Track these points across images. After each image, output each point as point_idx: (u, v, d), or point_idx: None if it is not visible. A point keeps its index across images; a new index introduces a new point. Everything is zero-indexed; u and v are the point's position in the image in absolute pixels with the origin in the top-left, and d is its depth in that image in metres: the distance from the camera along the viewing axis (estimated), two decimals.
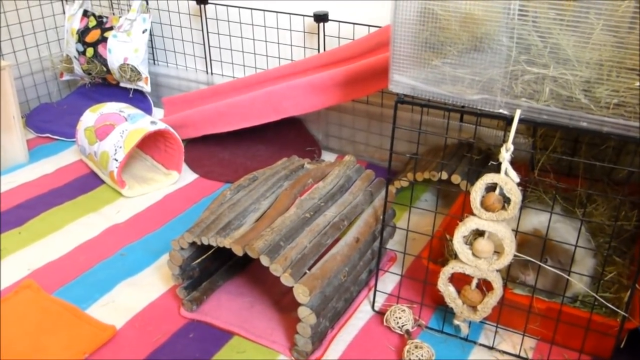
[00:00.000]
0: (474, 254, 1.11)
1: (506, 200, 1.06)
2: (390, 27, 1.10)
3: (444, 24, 1.04)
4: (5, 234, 1.55)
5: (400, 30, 1.08)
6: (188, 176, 1.87)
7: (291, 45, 1.99)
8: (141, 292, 1.35)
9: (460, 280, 1.16)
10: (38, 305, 1.28)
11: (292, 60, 2.01)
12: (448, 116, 1.27)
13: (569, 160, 1.52)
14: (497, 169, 1.05)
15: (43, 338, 1.20)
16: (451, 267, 1.14)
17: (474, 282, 1.15)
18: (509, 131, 1.03)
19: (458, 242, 1.11)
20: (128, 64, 2.15)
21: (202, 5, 2.08)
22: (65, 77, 2.36)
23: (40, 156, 1.97)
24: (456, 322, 1.20)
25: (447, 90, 1.08)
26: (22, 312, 1.26)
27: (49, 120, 2.18)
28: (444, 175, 1.50)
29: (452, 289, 1.17)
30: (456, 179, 1.49)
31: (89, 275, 1.40)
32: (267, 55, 2.07)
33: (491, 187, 1.07)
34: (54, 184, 1.80)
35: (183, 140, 1.85)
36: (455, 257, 1.14)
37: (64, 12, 2.35)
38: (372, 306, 1.31)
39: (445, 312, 1.25)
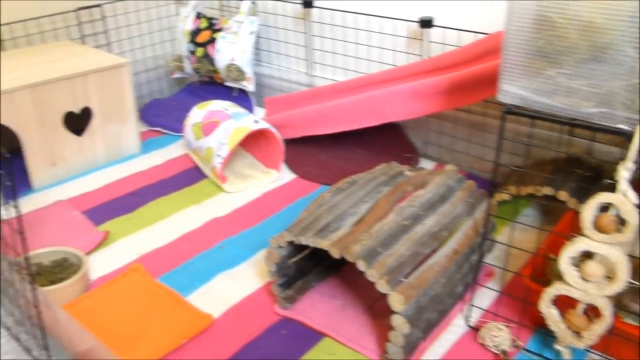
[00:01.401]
0: (582, 277, 1.05)
1: (621, 222, 1.00)
2: (502, 34, 1.07)
3: (562, 32, 1.00)
4: (117, 219, 1.66)
5: (513, 38, 1.05)
6: (286, 175, 1.91)
7: (394, 50, 1.99)
8: (238, 285, 1.39)
9: (564, 303, 1.10)
10: (144, 289, 1.36)
11: (394, 65, 2.00)
12: (560, 130, 1.21)
13: None
14: (610, 187, 0.99)
15: (147, 320, 1.27)
16: (555, 289, 1.09)
17: (581, 306, 1.08)
18: (628, 148, 0.96)
19: (565, 263, 1.06)
20: (234, 64, 2.23)
21: (308, 9, 2.12)
22: (176, 75, 2.49)
23: (150, 148, 2.10)
24: (557, 347, 1.14)
25: (560, 102, 1.03)
26: (130, 294, 1.35)
27: (160, 115, 2.31)
28: (549, 191, 1.44)
29: (555, 311, 1.12)
30: (563, 195, 1.42)
31: (190, 264, 1.47)
32: (368, 60, 2.07)
33: (604, 207, 1.01)
34: (162, 175, 1.91)
35: (283, 140, 1.90)
36: (560, 278, 1.09)
37: (177, 14, 2.49)
38: (467, 321, 1.27)
39: (545, 334, 1.19)
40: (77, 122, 1.89)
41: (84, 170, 1.92)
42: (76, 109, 1.84)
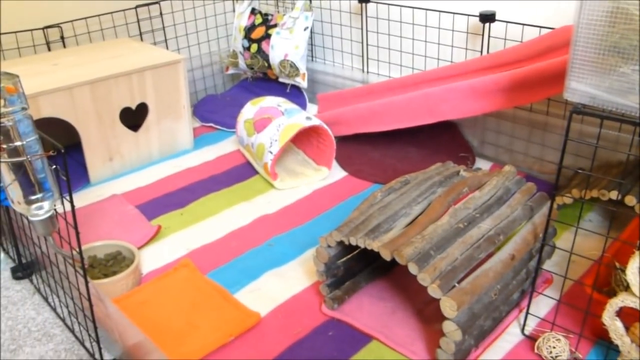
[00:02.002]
0: None
1: None
2: (571, 29, 1.00)
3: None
4: (169, 214, 1.68)
5: (584, 32, 0.98)
6: (337, 173, 1.89)
7: (452, 46, 1.92)
8: (285, 284, 1.38)
9: (629, 316, 1.03)
10: (193, 284, 1.37)
11: (451, 61, 1.94)
12: (634, 131, 1.13)
13: None
14: None
15: (195, 315, 1.27)
16: (621, 300, 1.02)
17: None
18: None
19: (633, 273, 0.99)
20: (288, 60, 2.22)
21: (364, 4, 2.09)
22: (230, 71, 2.51)
23: (203, 144, 2.12)
24: None
25: (635, 102, 0.95)
26: (179, 289, 1.35)
27: (213, 111, 2.33)
28: (616, 195, 1.35)
29: (619, 324, 1.04)
30: (631, 200, 1.33)
31: (239, 261, 1.47)
32: (425, 56, 2.02)
33: None
34: (213, 170, 1.92)
35: (335, 138, 1.87)
36: (626, 288, 1.02)
37: (233, 10, 2.50)
38: (522, 330, 1.21)
39: (607, 348, 1.12)
40: (134, 117, 1.92)
41: (139, 165, 1.96)
42: (133, 104, 1.88)
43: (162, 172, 1.92)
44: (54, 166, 0.99)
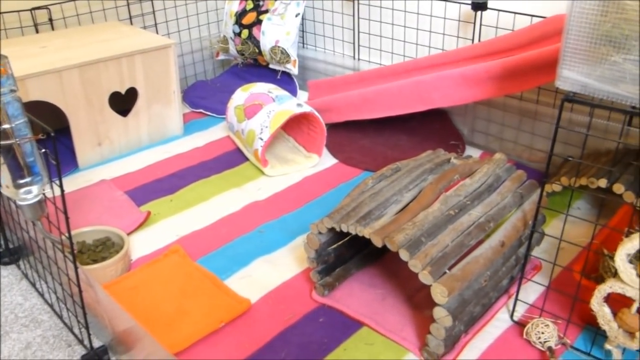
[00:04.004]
0: (638, 275, 0.99)
1: None
2: (563, 18, 1.01)
3: (632, 14, 0.93)
4: (159, 200, 1.67)
5: (576, 21, 0.98)
6: (327, 160, 1.88)
7: (443, 34, 1.92)
8: (276, 270, 1.38)
9: (617, 302, 1.05)
10: (183, 270, 1.36)
11: (443, 49, 1.94)
12: (624, 120, 1.14)
13: None
14: None
15: (186, 302, 1.27)
16: (609, 286, 1.03)
17: (635, 305, 1.02)
18: None
19: (621, 260, 1.00)
20: (279, 47, 2.21)
21: None
22: (221, 57, 2.49)
23: (193, 130, 2.10)
24: (608, 346, 1.08)
25: (626, 91, 0.96)
26: (169, 275, 1.35)
27: (203, 97, 2.31)
28: (604, 183, 1.36)
29: (607, 309, 1.06)
30: (619, 188, 1.34)
31: (229, 248, 1.46)
32: (417, 44, 2.01)
33: None
34: (203, 157, 1.91)
35: (325, 125, 1.86)
36: (614, 275, 1.03)
37: None
38: (511, 316, 1.23)
39: (595, 333, 1.14)
40: (123, 102, 1.90)
41: (128, 150, 1.94)
42: (122, 89, 1.86)
43: (152, 157, 1.91)
44: (43, 150, 0.98)
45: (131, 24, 2.23)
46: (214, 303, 1.26)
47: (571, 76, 1.01)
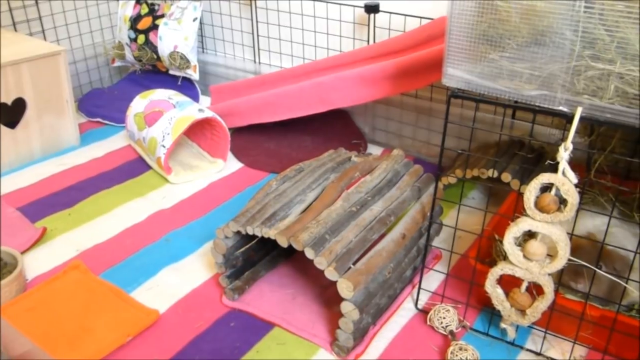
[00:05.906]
0: (525, 256, 1.07)
1: (562, 202, 1.02)
2: (446, 19, 1.07)
3: (504, 15, 1.00)
4: (56, 214, 1.59)
5: (456, 22, 1.05)
6: (233, 165, 1.87)
7: (340, 36, 1.97)
8: (184, 278, 1.36)
9: (509, 283, 1.12)
10: (85, 286, 1.31)
11: (340, 51, 1.99)
12: (504, 113, 1.23)
13: (628, 162, 1.45)
14: (551, 168, 1.01)
15: (89, 318, 1.22)
16: (500, 269, 1.11)
17: (524, 285, 1.11)
18: (568, 130, 0.98)
19: (509, 243, 1.07)
20: (178, 52, 2.17)
21: None
22: (117, 64, 2.40)
23: (90, 140, 2.02)
24: (503, 325, 1.16)
25: (503, 86, 1.04)
26: (70, 292, 1.29)
27: (100, 105, 2.22)
28: (494, 173, 1.46)
29: (500, 290, 1.13)
30: (506, 177, 1.44)
31: (134, 259, 1.42)
32: (315, 46, 2.05)
33: (545, 188, 1.03)
34: (103, 167, 1.84)
35: (229, 129, 1.86)
36: (505, 258, 1.11)
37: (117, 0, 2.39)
38: (416, 304, 1.28)
39: (491, 314, 1.22)
40: (10, 114, 1.79)
41: (19, 164, 1.83)
42: (8, 100, 1.75)
43: (46, 171, 1.81)
44: None
45: (15, 30, 2.10)
46: (119, 317, 1.22)
47: (455, 74, 1.08)
